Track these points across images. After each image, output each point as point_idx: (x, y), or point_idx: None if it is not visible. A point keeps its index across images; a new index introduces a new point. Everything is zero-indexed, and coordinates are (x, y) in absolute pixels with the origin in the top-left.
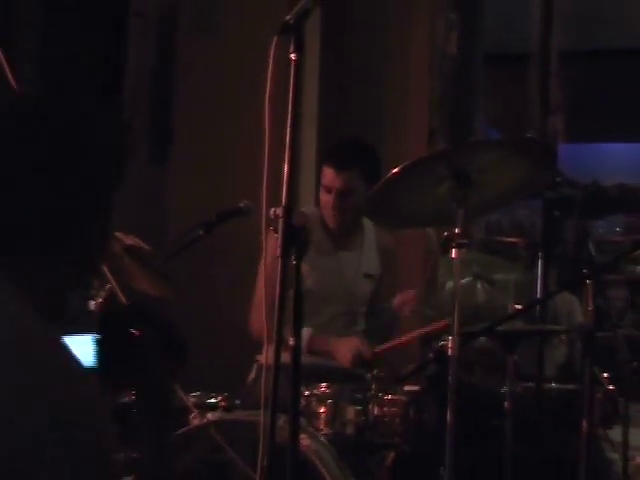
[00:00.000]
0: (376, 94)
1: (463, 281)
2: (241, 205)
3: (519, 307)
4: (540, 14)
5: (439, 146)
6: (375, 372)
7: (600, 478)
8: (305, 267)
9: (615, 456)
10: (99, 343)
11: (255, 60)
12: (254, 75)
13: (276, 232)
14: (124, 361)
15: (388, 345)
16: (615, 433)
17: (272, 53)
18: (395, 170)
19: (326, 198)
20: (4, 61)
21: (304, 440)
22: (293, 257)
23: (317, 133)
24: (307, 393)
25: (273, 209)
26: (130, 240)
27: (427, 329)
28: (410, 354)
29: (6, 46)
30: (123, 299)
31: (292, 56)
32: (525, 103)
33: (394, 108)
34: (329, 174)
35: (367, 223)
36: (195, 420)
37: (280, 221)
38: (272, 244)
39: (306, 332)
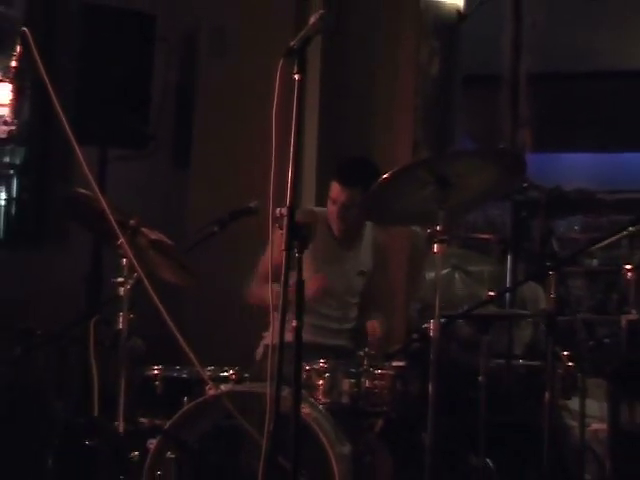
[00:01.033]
0: (368, 110)
1: (443, 272)
2: (251, 205)
3: (492, 294)
4: (510, 41)
5: (423, 155)
6: (367, 350)
7: (560, 442)
8: (310, 261)
9: (573, 423)
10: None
11: (264, 79)
12: (263, 92)
13: (281, 229)
14: None
15: None
16: (573, 403)
17: (278, 73)
18: (385, 176)
19: (332, 209)
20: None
21: (305, 409)
22: (296, 250)
23: (317, 143)
24: (307, 368)
25: (279, 209)
26: (155, 235)
27: None
28: (397, 335)
29: (49, 65)
30: (149, 286)
31: (296, 76)
32: (497, 118)
33: (384, 122)
34: (336, 188)
35: (367, 222)
36: (210, 391)
37: (285, 219)
38: (277, 239)
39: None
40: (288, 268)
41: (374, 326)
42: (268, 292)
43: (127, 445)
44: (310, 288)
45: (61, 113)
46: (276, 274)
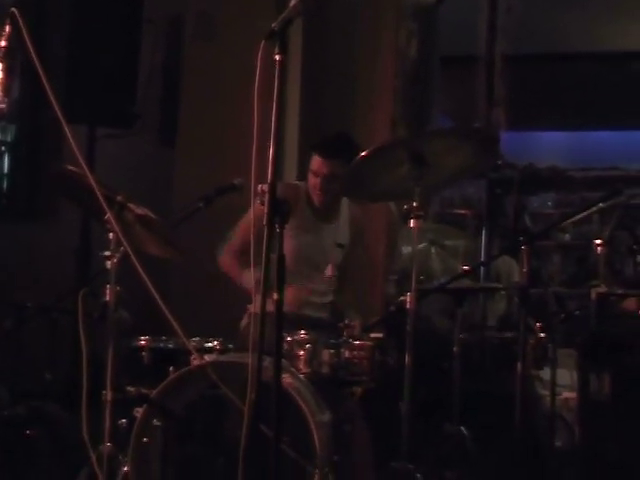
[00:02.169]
0: (348, 89)
1: (420, 246)
2: (235, 182)
3: (466, 268)
4: (486, 24)
5: (400, 134)
6: (346, 321)
7: (532, 410)
8: (289, 234)
9: (545, 392)
10: None
11: (248, 60)
12: (247, 72)
13: (263, 204)
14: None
15: None
16: (545, 373)
17: (260, 54)
18: (363, 154)
19: (313, 181)
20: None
21: (286, 378)
22: (277, 225)
23: (299, 122)
24: (289, 339)
25: (260, 185)
26: (141, 210)
27: None
28: (375, 308)
29: (38, 45)
30: (135, 260)
31: (277, 57)
32: (473, 98)
33: (363, 101)
34: (317, 161)
35: (343, 198)
36: (195, 361)
37: (266, 195)
38: (257, 209)
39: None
40: (270, 243)
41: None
42: (235, 267)
43: (70, 433)
44: (290, 298)
45: (50, 92)
46: (247, 251)
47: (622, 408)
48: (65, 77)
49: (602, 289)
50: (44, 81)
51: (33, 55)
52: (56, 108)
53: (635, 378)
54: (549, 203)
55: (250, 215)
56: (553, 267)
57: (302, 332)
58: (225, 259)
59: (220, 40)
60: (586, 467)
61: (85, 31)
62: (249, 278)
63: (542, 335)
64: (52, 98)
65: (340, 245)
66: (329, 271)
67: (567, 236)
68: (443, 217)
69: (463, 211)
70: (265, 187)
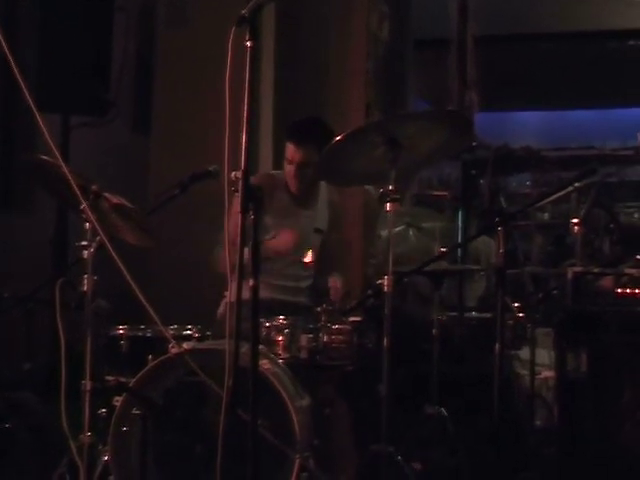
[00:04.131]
0: (322, 74)
1: (397, 229)
2: (210, 169)
3: (443, 250)
4: (457, 6)
5: (375, 117)
6: (324, 306)
7: (511, 390)
8: (268, 221)
9: (524, 372)
10: None
11: (221, 47)
12: (220, 59)
13: (237, 192)
14: None
15: None
16: (524, 353)
17: (231, 41)
18: (338, 138)
19: (288, 168)
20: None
21: (265, 364)
22: (251, 212)
23: (273, 109)
24: (267, 324)
25: (234, 172)
26: (116, 199)
27: None
28: (354, 291)
29: (9, 34)
30: (111, 249)
31: (248, 43)
32: (446, 80)
33: (337, 85)
34: (290, 149)
35: (321, 183)
36: (173, 349)
37: (239, 182)
38: (236, 201)
39: None
40: (244, 230)
41: (336, 282)
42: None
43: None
44: (281, 241)
45: (22, 81)
46: (236, 238)
47: (599, 386)
48: (37, 66)
49: (578, 268)
50: (15, 70)
51: (4, 44)
52: (28, 97)
53: (612, 356)
54: (527, 183)
55: (233, 207)
56: (533, 247)
57: (280, 317)
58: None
59: (193, 27)
60: (565, 445)
61: (57, 19)
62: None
63: (520, 315)
64: (24, 87)
65: (318, 230)
66: (308, 257)
67: (546, 215)
68: (421, 199)
69: (441, 193)
70: (238, 174)
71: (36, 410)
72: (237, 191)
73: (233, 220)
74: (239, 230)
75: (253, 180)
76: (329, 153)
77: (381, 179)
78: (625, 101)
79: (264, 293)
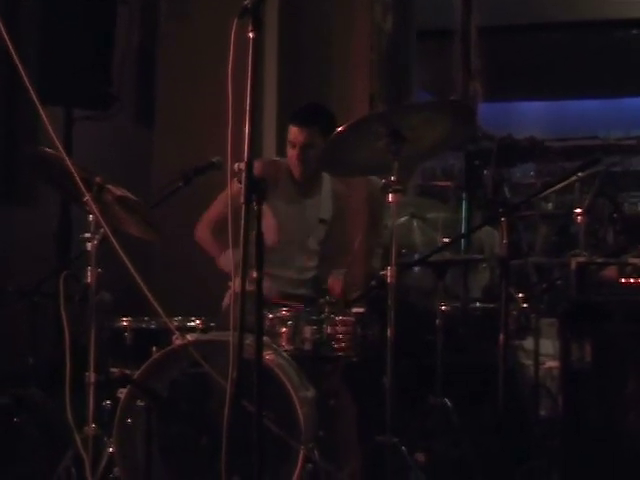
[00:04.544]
0: (326, 65)
1: (401, 220)
2: (214, 160)
3: (445, 240)
4: None
5: (378, 108)
6: (328, 298)
7: (515, 380)
8: (271, 210)
9: (528, 362)
10: None
11: (223, 38)
12: (223, 50)
13: (240, 183)
14: None
15: None
16: (528, 343)
17: (233, 32)
18: (341, 128)
19: (291, 152)
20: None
21: (269, 355)
22: (254, 203)
23: (277, 99)
24: (271, 316)
25: (237, 164)
26: (120, 192)
27: None
28: (358, 282)
29: (12, 27)
30: (114, 241)
31: (250, 34)
32: (450, 70)
33: (341, 77)
34: (293, 131)
35: (325, 173)
36: (177, 341)
37: (243, 174)
38: (236, 192)
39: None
40: (248, 221)
41: (334, 284)
42: (209, 241)
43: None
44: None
45: (25, 75)
46: (221, 226)
47: (604, 376)
48: (40, 59)
49: (582, 258)
50: (18, 63)
51: (6, 37)
52: (31, 90)
53: (616, 346)
54: (531, 173)
55: (228, 191)
56: (536, 237)
57: (284, 309)
58: (200, 231)
59: (195, 19)
60: (569, 435)
61: (59, 12)
62: (227, 260)
63: (524, 305)
64: (26, 80)
65: (323, 220)
66: (311, 245)
67: (550, 205)
68: (425, 189)
69: (445, 183)
70: (242, 165)
71: (42, 404)
72: (240, 182)
73: (223, 202)
74: (229, 215)
75: (257, 165)
76: (332, 144)
77: (384, 170)
78: (629, 91)
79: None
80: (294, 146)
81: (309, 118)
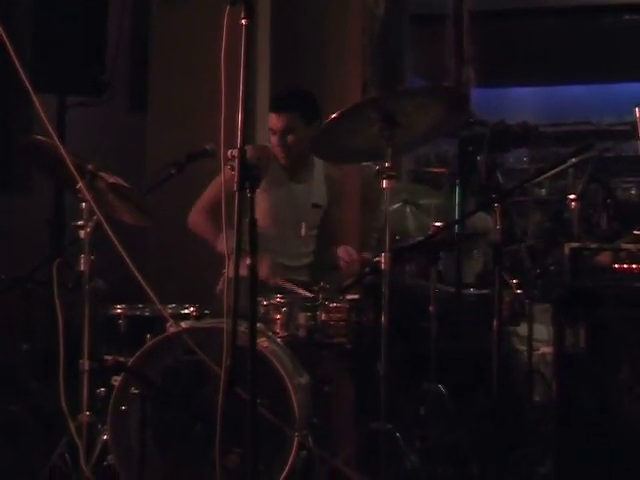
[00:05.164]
0: (319, 51)
1: (395, 206)
2: (207, 147)
3: (437, 225)
4: None
5: (371, 94)
6: (322, 284)
7: (510, 366)
8: (261, 196)
9: (522, 347)
10: None
11: (217, 24)
12: (216, 37)
13: (233, 170)
14: None
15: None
16: (522, 329)
17: (226, 20)
18: (334, 115)
19: (272, 139)
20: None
21: (263, 342)
22: (247, 190)
23: (269, 86)
24: (265, 303)
25: (230, 150)
26: (113, 179)
27: None
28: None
29: (3, 14)
30: (108, 229)
31: (243, 22)
32: (443, 56)
33: (334, 63)
34: (272, 118)
35: (317, 158)
36: (171, 328)
37: (236, 160)
38: (227, 174)
39: None
40: (241, 208)
41: (347, 250)
42: (207, 225)
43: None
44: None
45: (17, 62)
46: (216, 210)
47: (598, 361)
48: (33, 46)
49: (575, 244)
50: (10, 51)
51: None
52: (24, 78)
53: (610, 331)
54: (524, 159)
55: (221, 178)
56: (530, 223)
57: (278, 295)
58: (195, 217)
59: (188, 6)
60: (563, 421)
61: (52, 0)
62: (224, 244)
63: (518, 291)
64: (20, 68)
65: (316, 205)
66: (303, 230)
67: (543, 191)
68: (418, 176)
69: (438, 169)
70: (235, 152)
71: (36, 392)
72: (233, 169)
73: (217, 187)
74: (222, 202)
75: (249, 151)
76: (325, 130)
77: (377, 156)
78: (622, 76)
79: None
80: (275, 133)
81: (286, 104)
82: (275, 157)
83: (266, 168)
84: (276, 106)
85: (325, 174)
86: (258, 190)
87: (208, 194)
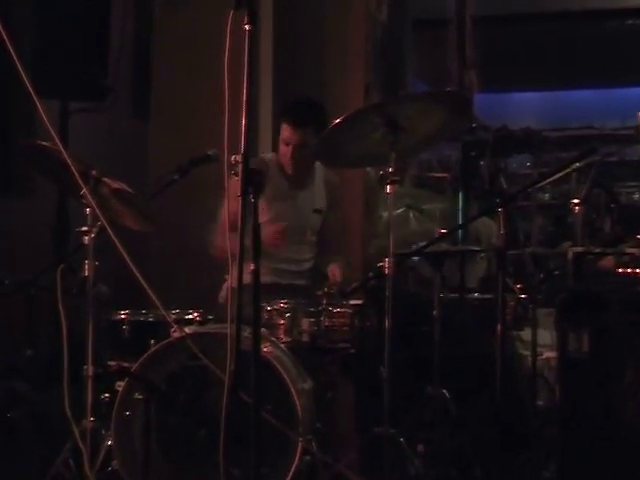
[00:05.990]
0: (321, 56)
1: (398, 211)
2: (210, 153)
3: (442, 231)
4: None
5: (374, 99)
6: (325, 289)
7: (513, 371)
8: (264, 204)
9: (526, 352)
10: None
11: (220, 29)
12: (219, 42)
13: (236, 175)
14: None
15: None
16: (526, 333)
17: (229, 25)
18: (338, 120)
19: (284, 150)
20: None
21: (267, 347)
22: (251, 196)
23: (272, 91)
24: (269, 308)
25: (233, 156)
26: (116, 184)
27: None
28: (355, 273)
29: (6, 18)
30: (112, 234)
31: (246, 27)
32: (445, 60)
33: (336, 67)
34: (287, 130)
35: (317, 163)
36: (175, 333)
37: (239, 166)
38: (233, 185)
39: None
40: (245, 213)
41: (334, 272)
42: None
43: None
44: (269, 235)
45: (20, 67)
46: (234, 222)
47: (601, 366)
48: (35, 51)
49: (579, 248)
50: (14, 56)
51: (1, 30)
52: (27, 83)
53: (613, 336)
54: (527, 164)
55: (227, 185)
56: (533, 227)
57: (281, 301)
58: (217, 241)
59: (191, 10)
60: (567, 425)
61: (54, 5)
62: None
63: (522, 296)
64: (22, 73)
65: (317, 210)
66: (308, 236)
67: (546, 196)
68: (421, 181)
69: (441, 174)
70: (238, 158)
71: (33, 398)
72: (237, 175)
73: (232, 203)
74: (239, 214)
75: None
76: (328, 135)
77: (380, 161)
78: (625, 80)
79: (264, 277)
80: (287, 144)
81: (303, 118)
82: (278, 166)
83: (267, 181)
84: (295, 121)
85: (325, 179)
86: (262, 203)
87: (224, 212)
